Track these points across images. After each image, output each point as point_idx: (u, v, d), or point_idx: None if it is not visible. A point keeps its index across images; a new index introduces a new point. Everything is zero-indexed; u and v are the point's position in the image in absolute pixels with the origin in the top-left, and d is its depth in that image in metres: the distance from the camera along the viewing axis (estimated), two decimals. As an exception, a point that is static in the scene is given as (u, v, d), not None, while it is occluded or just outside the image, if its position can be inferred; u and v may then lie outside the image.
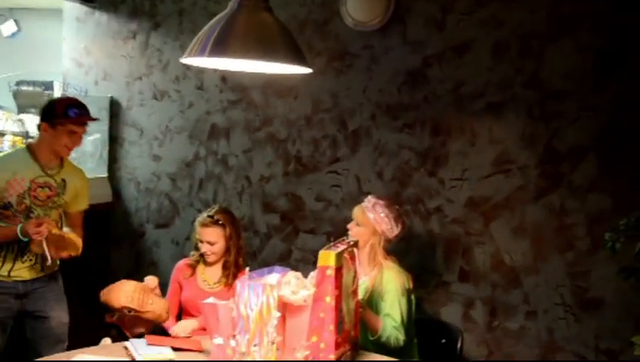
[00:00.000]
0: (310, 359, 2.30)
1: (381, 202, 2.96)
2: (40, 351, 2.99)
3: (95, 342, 2.77)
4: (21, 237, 2.84)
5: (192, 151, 4.31)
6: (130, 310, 2.59)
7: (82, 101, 3.07)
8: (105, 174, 4.62)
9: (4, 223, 2.93)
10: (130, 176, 4.56)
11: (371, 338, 2.79)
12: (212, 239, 3.05)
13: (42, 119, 2.98)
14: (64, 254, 3.00)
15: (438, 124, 3.57)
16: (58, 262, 3.17)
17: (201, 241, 3.06)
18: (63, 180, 3.06)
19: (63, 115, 2.92)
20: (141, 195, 4.52)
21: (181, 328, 2.90)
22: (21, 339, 2.67)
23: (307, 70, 2.16)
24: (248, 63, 2.22)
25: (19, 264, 2.98)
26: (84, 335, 2.81)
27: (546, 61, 3.30)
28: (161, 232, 4.46)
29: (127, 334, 2.81)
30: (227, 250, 3.08)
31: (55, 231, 2.89)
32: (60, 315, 3.12)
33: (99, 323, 2.89)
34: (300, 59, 2.09)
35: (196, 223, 3.10)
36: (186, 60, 2.14)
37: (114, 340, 2.71)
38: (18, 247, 2.96)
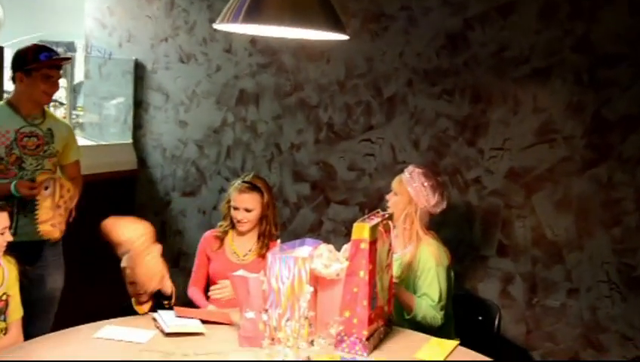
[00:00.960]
0: (343, 334, 2.34)
1: (418, 170, 2.97)
2: (31, 311, 3.06)
3: (115, 312, 2.85)
4: (14, 192, 2.93)
5: (220, 117, 4.34)
6: (128, 250, 2.51)
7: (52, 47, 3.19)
8: (129, 140, 4.69)
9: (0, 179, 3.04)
10: (156, 142, 4.62)
11: (407, 317, 2.81)
12: (249, 205, 3.07)
13: (15, 69, 3.07)
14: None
15: (478, 91, 3.54)
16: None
17: (237, 208, 3.08)
18: (49, 129, 3.17)
19: (34, 60, 3.01)
20: (167, 162, 4.58)
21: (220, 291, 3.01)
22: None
23: (344, 37, 2.15)
24: (283, 29, 2.23)
25: (22, 219, 3.06)
26: (103, 305, 2.91)
27: (598, 23, 3.23)
28: (188, 201, 4.52)
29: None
30: (262, 219, 3.11)
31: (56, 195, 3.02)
32: (55, 279, 3.25)
33: (118, 292, 2.97)
34: (337, 26, 2.09)
35: (231, 190, 3.12)
36: (219, 26, 2.15)
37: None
38: (18, 203, 3.04)
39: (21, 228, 3.06)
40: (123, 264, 2.80)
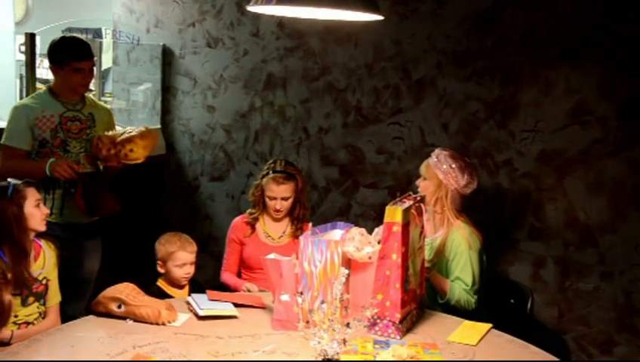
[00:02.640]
0: (376, 317, 2.35)
1: (445, 152, 2.97)
2: (68, 293, 3.13)
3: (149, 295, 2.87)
4: (48, 173, 3.02)
5: (248, 101, 4.35)
6: (120, 305, 2.46)
7: (81, 38, 3.34)
8: (158, 125, 4.71)
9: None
10: (184, 127, 4.64)
11: (441, 301, 2.81)
12: (287, 194, 3.12)
13: (50, 62, 3.20)
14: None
15: (509, 73, 3.50)
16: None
17: (274, 198, 3.12)
18: (91, 114, 3.28)
19: (62, 55, 3.14)
20: (195, 147, 4.60)
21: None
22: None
23: (378, 17, 2.14)
24: (318, 10, 2.22)
25: (67, 200, 3.19)
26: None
27: (633, 2, 3.17)
28: (216, 185, 4.54)
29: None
30: (295, 203, 3.16)
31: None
32: (92, 262, 3.36)
33: (152, 275, 3.01)
34: (372, 6, 2.08)
35: (264, 181, 3.14)
36: (253, 8, 2.15)
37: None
38: (64, 184, 3.16)
39: (66, 208, 3.18)
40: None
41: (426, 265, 2.73)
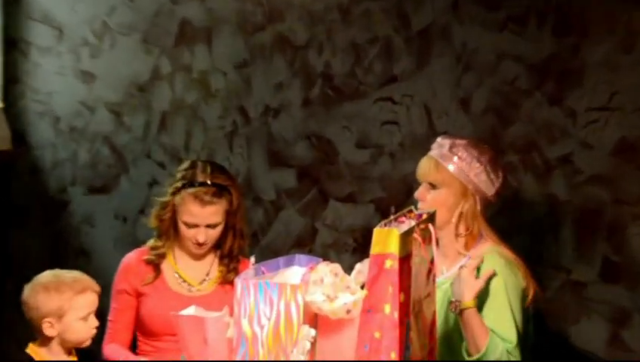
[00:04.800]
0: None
1: (460, 141, 2.95)
2: None
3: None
4: None
5: (149, 65, 4.36)
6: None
7: None
8: (-2, 103, 4.69)
9: None
10: (43, 106, 4.62)
11: (468, 359, 2.81)
12: (215, 219, 3.12)
13: None
14: None
15: (566, 17, 3.55)
16: None
17: (194, 226, 3.12)
18: None
19: None
20: (62, 139, 4.58)
21: None
22: None
23: None
24: None
25: None
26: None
27: None
28: (97, 201, 4.53)
29: None
30: (226, 230, 3.17)
31: None
32: None
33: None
34: None
35: (179, 199, 3.13)
36: None
37: None
38: None
39: None
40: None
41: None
